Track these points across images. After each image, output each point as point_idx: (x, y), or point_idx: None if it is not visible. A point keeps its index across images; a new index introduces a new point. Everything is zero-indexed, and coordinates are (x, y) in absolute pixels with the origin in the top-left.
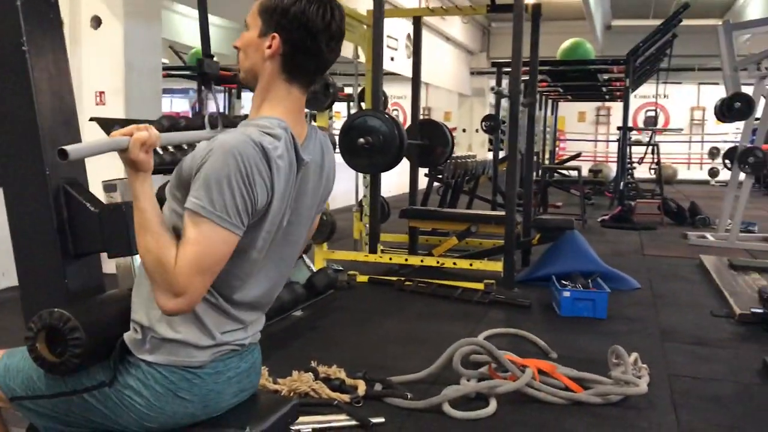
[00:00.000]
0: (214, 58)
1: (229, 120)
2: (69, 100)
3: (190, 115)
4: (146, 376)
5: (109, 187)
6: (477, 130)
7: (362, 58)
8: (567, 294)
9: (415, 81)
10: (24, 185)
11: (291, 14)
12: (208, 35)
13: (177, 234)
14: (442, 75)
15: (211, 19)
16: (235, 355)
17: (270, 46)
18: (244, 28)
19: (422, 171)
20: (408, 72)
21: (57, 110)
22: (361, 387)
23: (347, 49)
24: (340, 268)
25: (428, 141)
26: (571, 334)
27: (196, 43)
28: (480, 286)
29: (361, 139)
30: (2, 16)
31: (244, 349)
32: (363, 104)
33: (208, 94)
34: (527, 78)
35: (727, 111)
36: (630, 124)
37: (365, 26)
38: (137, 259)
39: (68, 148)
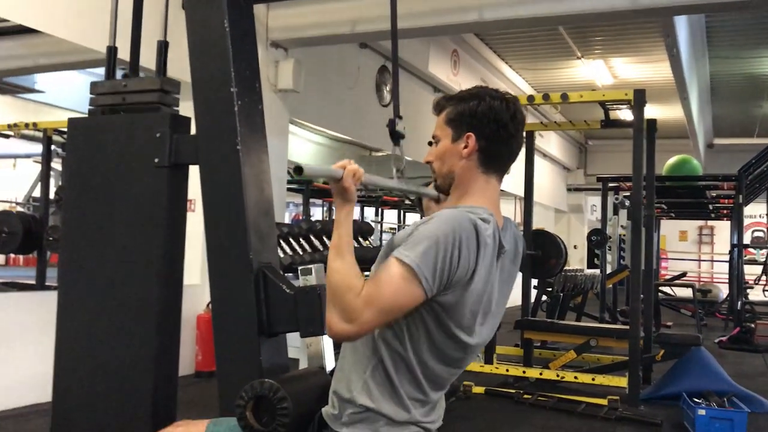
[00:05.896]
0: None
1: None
2: (268, 193)
3: None
4: None
5: (305, 270)
6: (575, 246)
7: None
8: (702, 412)
9: (528, 193)
10: (229, 268)
11: (480, 113)
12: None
13: None
14: (539, 190)
15: (314, 137)
16: None
17: (466, 146)
18: (434, 144)
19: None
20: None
21: (259, 202)
22: None
23: None
24: None
25: (541, 252)
26: None
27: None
28: (602, 401)
29: None
30: (222, 119)
31: None
32: None
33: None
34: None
35: None
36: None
37: None
38: (325, 339)
39: (304, 165)
